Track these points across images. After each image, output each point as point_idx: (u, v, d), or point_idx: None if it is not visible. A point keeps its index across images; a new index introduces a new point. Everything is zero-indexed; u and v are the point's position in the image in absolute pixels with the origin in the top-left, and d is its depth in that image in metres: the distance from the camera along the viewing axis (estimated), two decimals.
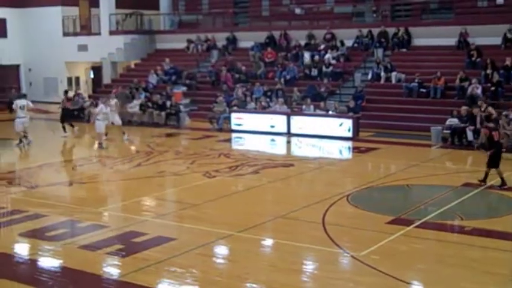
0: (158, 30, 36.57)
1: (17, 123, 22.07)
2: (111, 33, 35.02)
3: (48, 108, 31.08)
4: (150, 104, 27.68)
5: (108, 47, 34.52)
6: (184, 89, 29.51)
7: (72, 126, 25.31)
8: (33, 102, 25.09)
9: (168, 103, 27.29)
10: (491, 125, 15.76)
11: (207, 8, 36.55)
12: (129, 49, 34.60)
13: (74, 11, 37.03)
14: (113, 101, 23.82)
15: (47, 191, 15.90)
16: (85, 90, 35.88)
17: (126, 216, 13.23)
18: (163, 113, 27.04)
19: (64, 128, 24.83)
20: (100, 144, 21.69)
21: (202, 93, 29.59)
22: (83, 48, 35.68)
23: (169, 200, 15.39)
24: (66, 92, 28.86)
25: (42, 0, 36.87)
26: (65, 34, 36.75)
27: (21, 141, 22.17)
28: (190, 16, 37.45)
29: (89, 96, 32.23)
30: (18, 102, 22.29)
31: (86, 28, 37.16)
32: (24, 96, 24.63)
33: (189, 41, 33.72)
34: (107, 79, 34.93)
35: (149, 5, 38.30)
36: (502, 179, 15.01)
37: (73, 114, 27.36)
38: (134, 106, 27.97)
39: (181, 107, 27.53)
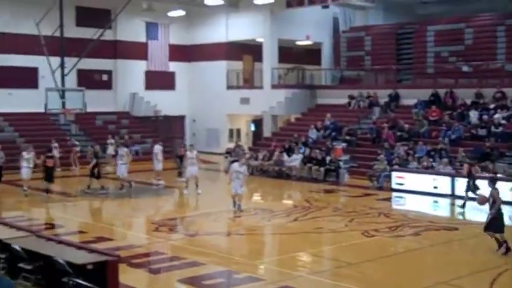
0: (319, 85, 36.75)
1: (189, 171, 22.87)
2: (273, 87, 35.64)
3: (210, 158, 32.07)
4: (309, 159, 27.58)
5: (270, 100, 35.11)
6: (344, 145, 29.15)
7: None
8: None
9: (328, 159, 27.06)
10: None
11: (370, 64, 36.25)
12: (290, 103, 34.95)
13: (238, 65, 38.26)
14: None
15: (205, 240, 16.09)
16: (245, 142, 36.59)
17: (282, 271, 13.06)
18: (322, 169, 26.80)
19: None
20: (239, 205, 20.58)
21: (363, 150, 29.05)
22: (245, 101, 36.59)
23: (326, 257, 14.98)
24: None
25: (209, 55, 38.45)
26: (229, 87, 37.95)
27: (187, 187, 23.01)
28: (352, 72, 37.33)
29: (249, 149, 32.77)
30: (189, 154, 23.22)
31: (249, 82, 38.19)
32: (191, 146, 25.52)
33: (351, 97, 33.50)
34: (267, 132, 35.42)
35: (311, 60, 38.73)
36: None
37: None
38: (293, 160, 28.01)
39: (341, 163, 27.16)
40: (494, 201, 14.28)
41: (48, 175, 22.61)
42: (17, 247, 11.04)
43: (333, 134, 30.49)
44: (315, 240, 16.32)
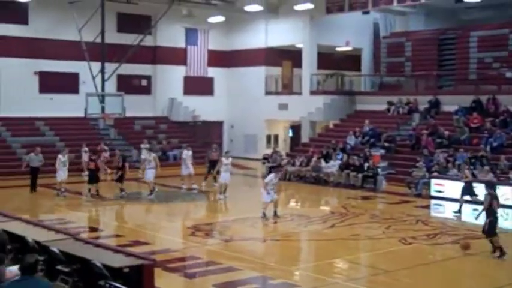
0: (358, 91, 36.52)
1: (222, 177, 23.00)
2: (312, 93, 35.53)
3: (247, 164, 32.12)
4: (347, 165, 27.40)
5: (308, 106, 35.01)
6: (382, 151, 28.87)
7: None
8: (233, 158, 26.00)
9: (366, 165, 26.85)
10: None
11: (410, 70, 35.89)
12: (328, 109, 34.80)
13: (276, 70, 38.26)
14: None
15: (241, 245, 16.08)
16: (283, 148, 36.54)
17: (318, 277, 13.01)
18: (360, 175, 26.60)
19: None
20: (264, 214, 20.23)
21: (401, 156, 28.73)
22: (283, 107, 36.55)
23: (362, 264, 14.86)
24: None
25: (248, 61, 38.54)
26: (267, 93, 37.95)
27: (220, 193, 23.03)
28: (391, 78, 37.01)
29: (286, 155, 32.70)
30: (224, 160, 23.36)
31: (288, 87, 38.14)
32: (226, 153, 25.57)
33: (390, 103, 33.19)
34: (305, 138, 35.31)
35: (350, 66, 38.52)
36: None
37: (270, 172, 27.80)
38: (331, 167, 27.86)
39: (379, 170, 26.92)
40: (490, 205, 14.57)
41: (90, 177, 22.94)
42: (55, 249, 11.17)
43: (372, 140, 30.24)
44: (351, 247, 16.23)
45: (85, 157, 27.96)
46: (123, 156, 24.22)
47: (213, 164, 25.18)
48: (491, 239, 14.64)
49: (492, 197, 14.74)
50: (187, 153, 25.88)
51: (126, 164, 23.82)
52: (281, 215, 19.37)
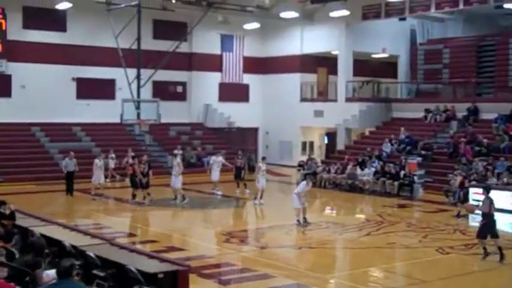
0: (395, 99, 36.17)
1: (260, 183, 23.04)
2: (347, 100, 35.31)
3: (282, 171, 32.02)
4: (383, 173, 27.14)
5: (344, 113, 34.80)
6: (419, 159, 28.53)
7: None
8: (268, 164, 25.99)
9: (402, 173, 26.55)
10: None
11: (447, 77, 35.43)
12: (364, 116, 34.53)
13: (312, 77, 38.11)
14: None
15: (276, 252, 15.99)
16: (318, 155, 36.36)
17: (353, 286, 12.91)
18: (396, 183, 26.30)
19: None
20: (298, 221, 20.19)
21: (438, 164, 28.35)
22: (318, 114, 36.38)
23: (398, 273, 14.67)
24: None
25: (283, 67, 38.47)
26: (302, 100, 37.83)
27: (255, 198, 23.12)
28: (429, 85, 36.59)
29: (322, 162, 32.52)
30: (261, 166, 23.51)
31: (323, 94, 37.97)
32: (263, 158, 25.59)
33: (427, 111, 32.79)
34: (340, 145, 35.10)
35: (387, 73, 38.24)
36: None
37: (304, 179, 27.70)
38: (366, 174, 27.62)
39: (416, 178, 26.60)
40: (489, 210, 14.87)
41: (131, 182, 23.00)
42: (91, 254, 11.24)
43: (408, 148, 29.90)
44: (387, 256, 16.02)
45: (111, 163, 28.18)
46: (149, 163, 24.13)
47: (239, 170, 25.19)
48: (486, 243, 15.05)
49: (490, 201, 15.02)
50: (215, 159, 26.03)
51: (151, 172, 23.69)
52: (316, 222, 19.26)
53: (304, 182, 19.82)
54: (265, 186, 23.39)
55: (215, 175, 25.43)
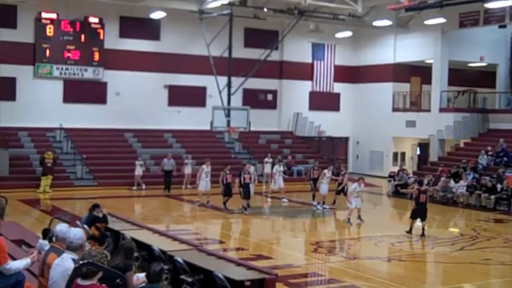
0: (492, 109, 34.85)
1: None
2: (441, 110, 34.33)
3: (372, 181, 31.41)
4: (478, 186, 26.15)
5: (437, 124, 33.84)
6: None
7: None
8: (358, 174, 25.54)
9: (499, 187, 25.48)
10: None
11: None
12: (459, 127, 33.45)
13: (405, 87, 37.30)
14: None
15: (364, 264, 15.65)
16: (410, 166, 35.52)
17: None
18: (492, 197, 25.27)
19: None
20: (348, 219, 20.89)
21: None
22: (411, 124, 35.55)
23: None
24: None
25: (375, 76, 37.85)
26: (394, 109, 37.07)
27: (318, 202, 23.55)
28: None
29: (413, 173, 31.73)
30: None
31: (416, 104, 37.04)
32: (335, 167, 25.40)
33: None
34: (433, 156, 34.15)
35: (484, 83, 36.97)
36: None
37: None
38: (461, 187, 26.68)
39: None
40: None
41: (228, 191, 22.98)
42: (179, 259, 11.30)
43: (505, 160, 28.70)
44: (482, 272, 15.34)
45: (140, 171, 28.38)
46: (239, 173, 24.01)
47: (314, 181, 24.69)
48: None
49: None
50: (276, 168, 26.32)
51: (237, 180, 23.61)
52: (406, 234, 18.77)
53: (356, 183, 20.94)
54: (327, 192, 23.95)
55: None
